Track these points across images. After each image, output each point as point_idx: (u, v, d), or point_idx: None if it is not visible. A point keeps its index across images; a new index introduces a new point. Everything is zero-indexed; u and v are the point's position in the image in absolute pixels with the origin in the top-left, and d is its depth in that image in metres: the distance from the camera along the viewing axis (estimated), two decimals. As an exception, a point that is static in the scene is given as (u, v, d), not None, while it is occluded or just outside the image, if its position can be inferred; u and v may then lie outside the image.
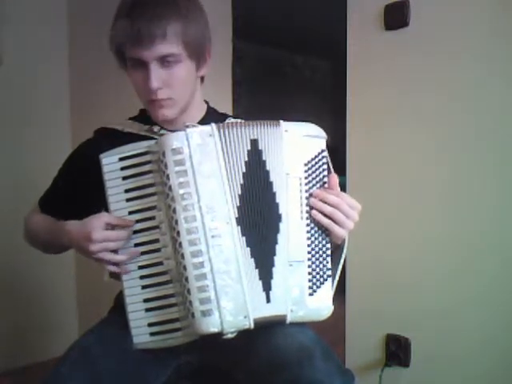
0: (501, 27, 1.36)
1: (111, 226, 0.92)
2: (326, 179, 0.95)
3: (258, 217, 0.90)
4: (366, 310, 1.65)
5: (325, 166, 0.96)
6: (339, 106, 2.03)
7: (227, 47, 2.25)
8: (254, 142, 0.92)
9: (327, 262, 0.94)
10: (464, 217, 1.44)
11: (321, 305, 0.93)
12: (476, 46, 1.40)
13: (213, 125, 0.91)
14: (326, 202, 0.92)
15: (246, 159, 0.91)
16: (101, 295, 1.33)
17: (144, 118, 1.12)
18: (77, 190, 1.11)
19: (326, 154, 0.96)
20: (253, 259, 0.89)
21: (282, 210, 0.91)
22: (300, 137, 0.94)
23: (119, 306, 0.98)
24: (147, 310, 0.92)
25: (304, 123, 0.96)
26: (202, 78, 1.12)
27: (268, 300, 0.89)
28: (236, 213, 0.89)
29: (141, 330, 0.93)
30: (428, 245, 1.52)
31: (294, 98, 5.09)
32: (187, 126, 0.91)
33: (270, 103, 4.76)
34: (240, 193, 0.90)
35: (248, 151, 0.91)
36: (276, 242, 0.91)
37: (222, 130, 0.91)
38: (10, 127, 2.23)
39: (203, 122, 1.07)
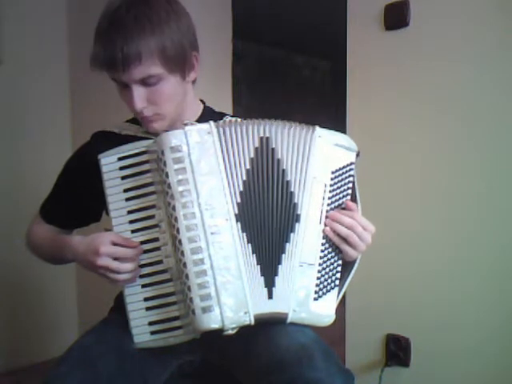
0: (501, 27, 1.36)
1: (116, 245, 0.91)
2: (349, 191, 0.96)
3: (264, 214, 0.90)
4: (366, 310, 1.65)
5: (351, 179, 0.97)
6: (339, 106, 2.03)
7: (227, 47, 2.25)
8: (266, 140, 0.92)
9: (337, 272, 0.94)
10: (464, 217, 1.44)
11: (324, 311, 0.92)
12: (476, 46, 1.40)
13: (211, 122, 0.92)
14: (341, 224, 0.92)
15: (252, 156, 0.91)
16: (101, 295, 1.33)
17: None
18: (77, 194, 1.11)
19: (353, 167, 0.97)
20: (254, 255, 0.89)
21: (300, 211, 0.91)
22: (332, 145, 0.95)
23: (119, 306, 0.98)
24: (147, 308, 0.92)
25: (338, 133, 0.97)
26: (194, 80, 1.10)
27: (270, 296, 0.89)
28: (236, 209, 0.89)
29: (141, 329, 0.93)
30: (428, 245, 1.51)
31: (294, 97, 5.09)
32: (185, 124, 0.91)
33: (269, 103, 4.77)
34: (242, 189, 0.90)
35: (256, 148, 0.91)
36: (287, 241, 0.90)
37: (220, 128, 0.91)
38: (10, 127, 2.23)
39: (199, 121, 1.06)
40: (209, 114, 1.13)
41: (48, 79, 2.34)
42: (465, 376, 1.45)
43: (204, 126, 0.91)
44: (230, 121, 0.94)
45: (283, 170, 0.92)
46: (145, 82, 0.95)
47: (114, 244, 0.91)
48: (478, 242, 1.42)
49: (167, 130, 0.95)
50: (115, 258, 0.90)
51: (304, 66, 5.31)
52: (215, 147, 0.90)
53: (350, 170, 0.97)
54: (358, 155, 0.98)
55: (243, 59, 4.50)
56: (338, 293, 0.95)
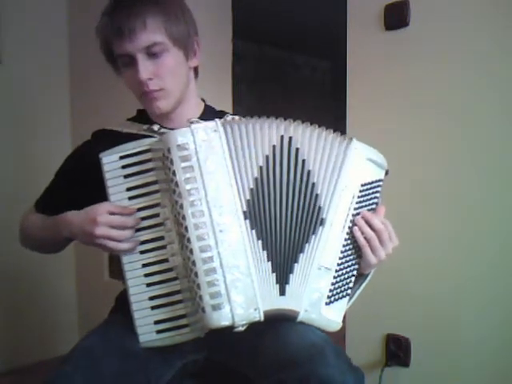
0: (501, 27, 1.36)
1: (114, 214, 0.92)
2: (374, 206, 0.97)
3: (279, 212, 0.90)
4: (366, 310, 1.65)
5: (377, 195, 0.98)
6: (339, 106, 2.03)
7: (227, 47, 2.25)
8: (289, 140, 0.92)
9: (350, 281, 0.95)
10: (464, 218, 1.44)
11: (333, 317, 0.93)
12: (476, 45, 1.40)
13: (217, 120, 0.92)
14: (370, 225, 0.93)
15: (267, 153, 0.91)
16: (101, 295, 1.34)
17: (142, 118, 1.11)
18: (74, 192, 1.10)
19: (381, 184, 0.98)
20: (265, 252, 0.89)
21: (326, 215, 0.92)
22: (365, 158, 0.96)
23: (121, 305, 0.98)
24: (153, 307, 0.92)
25: (372, 148, 0.98)
26: (196, 72, 1.12)
27: (282, 293, 0.89)
28: (244, 207, 0.89)
29: (147, 328, 0.92)
30: (428, 245, 1.52)
31: (294, 97, 5.10)
32: (191, 122, 0.90)
33: (269, 103, 4.77)
34: (252, 186, 0.89)
35: (273, 146, 0.91)
36: (307, 241, 0.91)
37: (227, 126, 0.91)
38: (10, 127, 2.23)
39: (201, 119, 1.06)
40: (210, 113, 1.13)
41: (48, 79, 2.34)
42: (465, 376, 1.45)
43: (210, 123, 0.91)
44: (240, 118, 0.94)
45: (309, 171, 0.92)
46: (150, 53, 0.98)
47: (111, 213, 0.91)
48: (478, 243, 1.42)
49: (172, 128, 0.95)
50: (112, 227, 0.90)
51: (304, 65, 5.31)
52: (222, 145, 0.90)
53: (378, 186, 0.98)
54: (386, 173, 0.99)
55: (243, 59, 4.50)
56: (348, 302, 0.96)
